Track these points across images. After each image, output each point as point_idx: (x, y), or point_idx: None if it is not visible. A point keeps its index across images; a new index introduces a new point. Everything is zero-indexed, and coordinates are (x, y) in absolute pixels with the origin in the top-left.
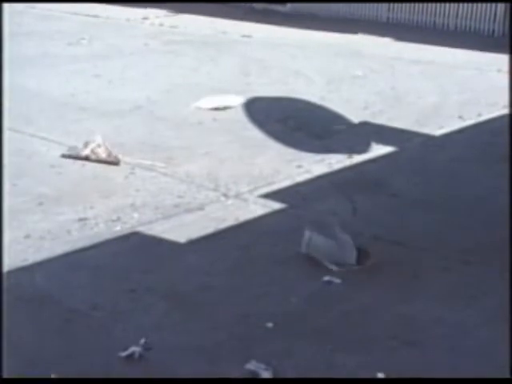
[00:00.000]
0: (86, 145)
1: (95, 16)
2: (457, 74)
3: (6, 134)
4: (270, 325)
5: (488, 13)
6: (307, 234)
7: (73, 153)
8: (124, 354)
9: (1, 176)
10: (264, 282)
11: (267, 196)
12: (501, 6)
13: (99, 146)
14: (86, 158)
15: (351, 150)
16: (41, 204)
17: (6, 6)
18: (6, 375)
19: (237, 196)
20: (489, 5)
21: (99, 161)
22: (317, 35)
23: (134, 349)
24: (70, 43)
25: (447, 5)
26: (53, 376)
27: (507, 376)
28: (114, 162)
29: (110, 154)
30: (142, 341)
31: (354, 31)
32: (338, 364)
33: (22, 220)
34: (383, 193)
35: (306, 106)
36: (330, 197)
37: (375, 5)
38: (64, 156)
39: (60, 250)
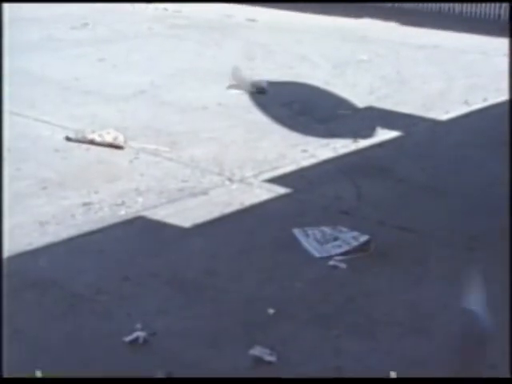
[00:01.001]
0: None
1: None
2: (462, 59)
3: (10, 118)
4: (274, 310)
5: None
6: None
7: (79, 136)
8: (128, 338)
9: (0, 160)
10: (269, 267)
11: (272, 180)
12: None
13: (108, 132)
14: (91, 142)
15: (356, 135)
16: (45, 188)
17: None
18: (9, 364)
19: (241, 180)
20: None
21: (104, 144)
22: (322, 19)
23: (139, 334)
24: (74, 27)
25: None
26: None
27: (508, 369)
28: (118, 146)
29: (116, 138)
30: (141, 326)
31: (360, 16)
32: (343, 349)
33: (26, 204)
34: (389, 178)
35: (311, 90)
36: (335, 181)
37: None
38: (68, 139)
39: (64, 235)
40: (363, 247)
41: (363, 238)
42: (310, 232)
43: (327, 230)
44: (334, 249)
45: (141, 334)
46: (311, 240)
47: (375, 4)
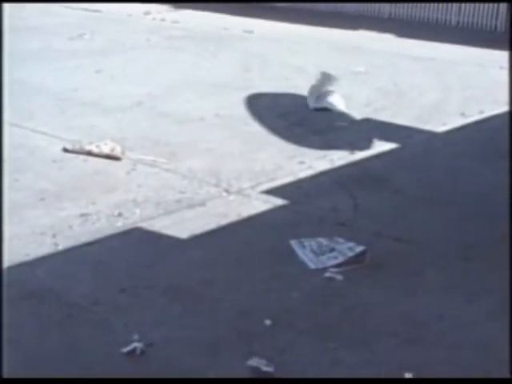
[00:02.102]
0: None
1: (97, 11)
2: (459, 71)
3: (8, 129)
4: (271, 321)
5: (490, 9)
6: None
7: (76, 147)
8: (125, 349)
9: (0, 171)
10: (265, 278)
11: (269, 192)
12: (503, 3)
13: (106, 144)
14: (89, 153)
15: (353, 147)
16: (42, 199)
17: None
18: (6, 371)
19: (239, 192)
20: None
21: (101, 155)
22: (318, 31)
23: (136, 344)
24: (72, 38)
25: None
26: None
27: (507, 374)
28: (116, 157)
29: (113, 149)
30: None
31: (356, 27)
32: (339, 360)
33: (24, 215)
34: (385, 189)
35: (307, 101)
36: (332, 193)
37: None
38: (66, 150)
39: (61, 245)
40: (359, 258)
41: (359, 249)
42: (306, 243)
43: (324, 241)
44: (329, 260)
45: (138, 344)
46: (307, 251)
47: (371, 15)
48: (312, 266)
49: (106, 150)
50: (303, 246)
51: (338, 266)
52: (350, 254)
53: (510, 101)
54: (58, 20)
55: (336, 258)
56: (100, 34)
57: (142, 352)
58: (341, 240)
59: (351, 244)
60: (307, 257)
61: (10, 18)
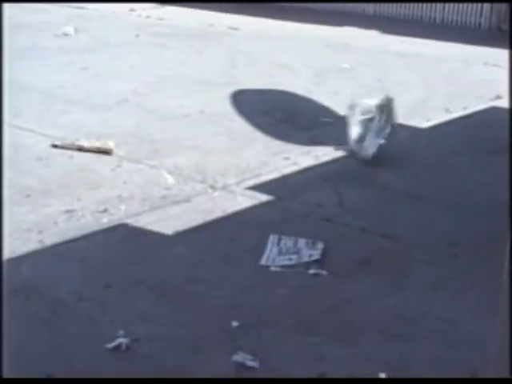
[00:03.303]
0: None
1: (81, 7)
2: (443, 67)
3: None
4: (256, 316)
5: (474, 7)
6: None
7: (66, 142)
8: (111, 345)
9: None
10: (251, 274)
11: (254, 188)
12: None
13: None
14: (80, 148)
15: (338, 142)
16: (28, 196)
17: None
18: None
19: (224, 188)
20: None
21: (92, 149)
22: (304, 28)
23: (121, 340)
24: (57, 35)
25: None
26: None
27: (492, 371)
28: (107, 151)
29: (104, 144)
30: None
31: (341, 24)
32: (324, 355)
33: (9, 212)
34: (371, 185)
35: (292, 98)
36: (317, 189)
37: None
38: (55, 146)
39: (47, 242)
40: (310, 265)
41: (315, 258)
42: (283, 241)
43: (302, 242)
44: (281, 261)
45: (123, 340)
46: (275, 248)
47: (356, 12)
48: (262, 261)
49: (97, 144)
50: (277, 243)
51: (283, 267)
52: (305, 259)
53: (510, 98)
54: (42, 17)
55: (290, 260)
56: (85, 32)
57: (128, 348)
58: (319, 245)
59: (316, 252)
60: (269, 252)
61: None
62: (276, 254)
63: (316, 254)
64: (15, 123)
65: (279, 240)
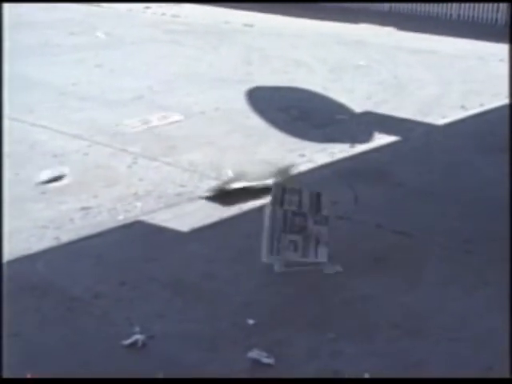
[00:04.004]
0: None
1: (97, 5)
2: (459, 64)
3: (8, 123)
4: (271, 313)
5: (491, 3)
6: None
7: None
8: (127, 342)
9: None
10: (266, 271)
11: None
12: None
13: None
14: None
15: (353, 140)
16: (44, 193)
17: None
18: (7, 365)
19: None
20: None
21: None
22: (319, 25)
23: (137, 337)
24: (72, 33)
25: None
26: (28, 376)
27: (507, 367)
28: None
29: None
30: (139, 329)
31: (357, 21)
32: (339, 352)
33: (25, 209)
34: (386, 182)
35: (308, 95)
36: (333, 186)
37: None
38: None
39: (63, 239)
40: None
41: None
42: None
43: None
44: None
45: (139, 337)
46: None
47: (372, 9)
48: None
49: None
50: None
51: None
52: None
53: (510, 94)
54: (58, 15)
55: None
56: (100, 29)
57: (144, 344)
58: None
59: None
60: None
61: (10, 13)
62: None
63: (323, 257)
64: (29, 120)
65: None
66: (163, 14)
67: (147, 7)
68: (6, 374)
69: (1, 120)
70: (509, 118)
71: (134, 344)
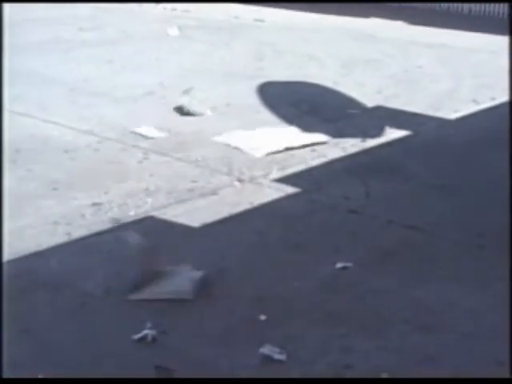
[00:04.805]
0: None
1: (107, 0)
2: (471, 58)
3: (19, 120)
4: (283, 309)
5: None
6: None
7: None
8: (137, 336)
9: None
10: (278, 266)
11: (281, 180)
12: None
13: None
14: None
15: (365, 134)
16: (55, 189)
17: None
18: (20, 361)
19: (251, 180)
20: None
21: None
22: (330, 19)
23: (147, 332)
24: (82, 28)
25: None
26: (40, 376)
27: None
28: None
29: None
30: (150, 324)
31: (368, 15)
32: (351, 347)
33: (37, 205)
34: (398, 177)
35: (319, 90)
36: (344, 181)
37: None
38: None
39: (74, 235)
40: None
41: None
42: None
43: None
44: None
45: (150, 331)
46: None
47: (383, 3)
48: None
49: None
50: None
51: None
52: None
53: (510, 91)
54: (68, 11)
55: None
56: (110, 25)
57: (154, 339)
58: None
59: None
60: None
61: (20, 8)
62: None
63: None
64: (40, 116)
65: None
66: (173, 9)
67: (158, 2)
68: (18, 371)
69: (1, 115)
70: (509, 115)
71: (143, 338)
